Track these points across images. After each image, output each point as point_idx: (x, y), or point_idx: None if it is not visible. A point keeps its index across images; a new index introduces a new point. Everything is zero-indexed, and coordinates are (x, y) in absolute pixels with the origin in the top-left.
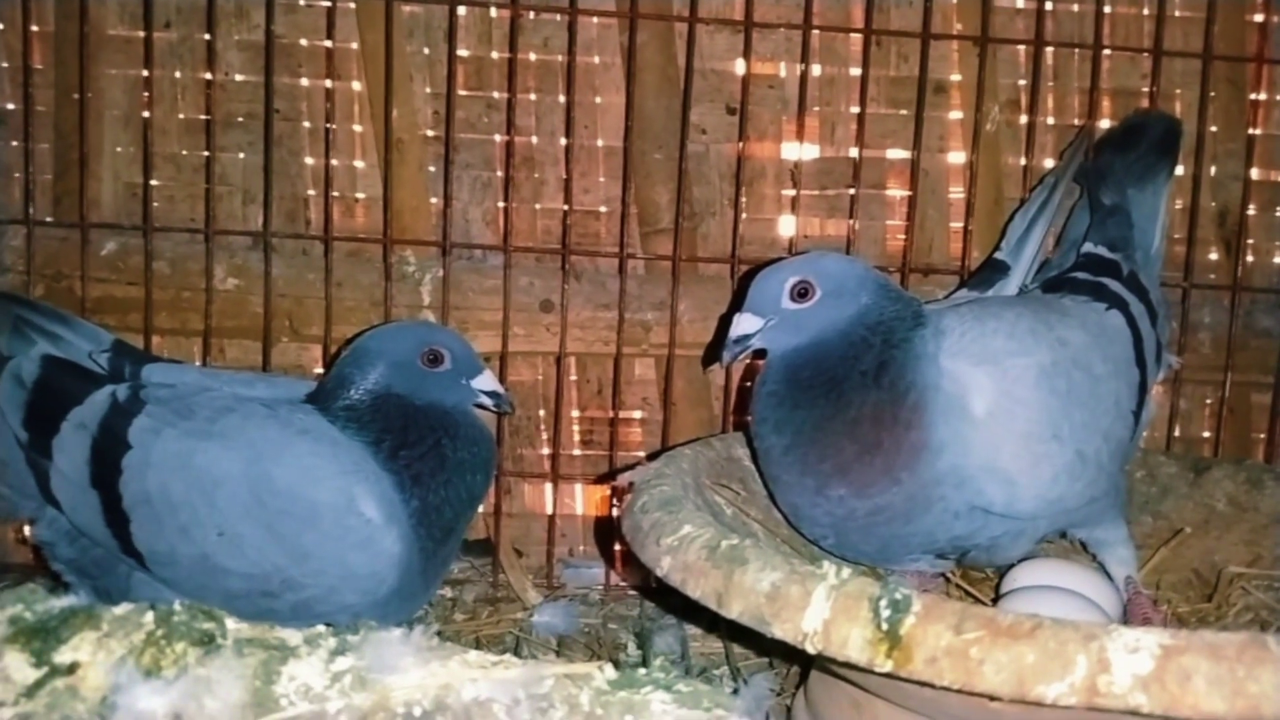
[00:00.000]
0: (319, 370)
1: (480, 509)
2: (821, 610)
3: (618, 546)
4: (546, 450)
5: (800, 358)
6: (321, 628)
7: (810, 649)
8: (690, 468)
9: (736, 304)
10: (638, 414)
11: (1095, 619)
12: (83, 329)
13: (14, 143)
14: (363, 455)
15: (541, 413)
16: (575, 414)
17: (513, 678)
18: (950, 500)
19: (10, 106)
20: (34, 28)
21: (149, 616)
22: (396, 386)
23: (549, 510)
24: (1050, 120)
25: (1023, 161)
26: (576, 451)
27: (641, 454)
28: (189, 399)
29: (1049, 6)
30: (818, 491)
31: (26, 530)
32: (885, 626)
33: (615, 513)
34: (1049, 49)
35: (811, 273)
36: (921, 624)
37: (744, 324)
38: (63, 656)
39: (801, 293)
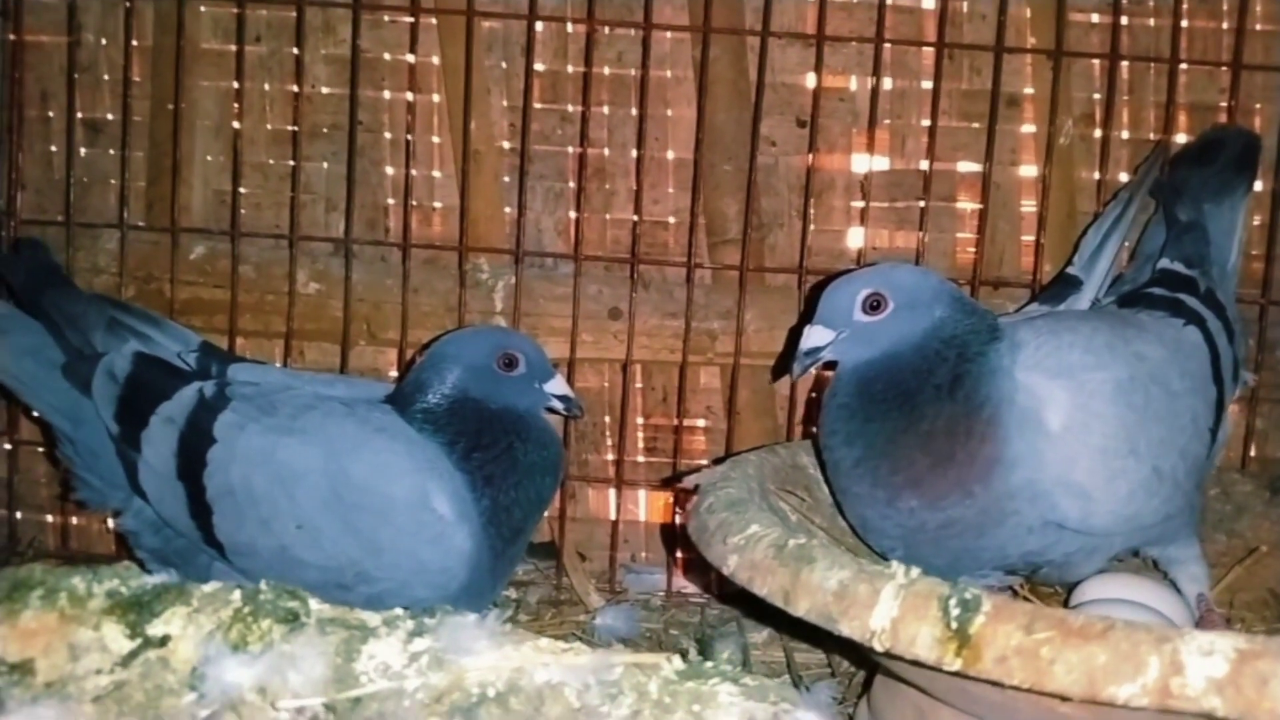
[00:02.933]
0: (394, 373)
1: (546, 512)
2: (889, 608)
3: (679, 553)
4: (611, 456)
5: (872, 370)
6: (399, 611)
7: (877, 647)
8: (755, 473)
9: (807, 316)
10: (702, 422)
11: None
12: (172, 330)
13: (111, 151)
14: (437, 454)
15: (607, 419)
16: (640, 421)
17: (583, 664)
18: (1024, 515)
19: (109, 117)
20: (134, 42)
21: (237, 594)
22: (472, 390)
23: (612, 515)
24: (1125, 134)
25: (1096, 176)
26: (640, 458)
27: (704, 462)
28: (272, 396)
29: (1124, 20)
30: (889, 504)
31: (110, 522)
32: (954, 625)
33: (679, 518)
34: (1124, 63)
35: (884, 285)
36: (991, 623)
37: (815, 336)
38: (155, 629)
39: (874, 305)
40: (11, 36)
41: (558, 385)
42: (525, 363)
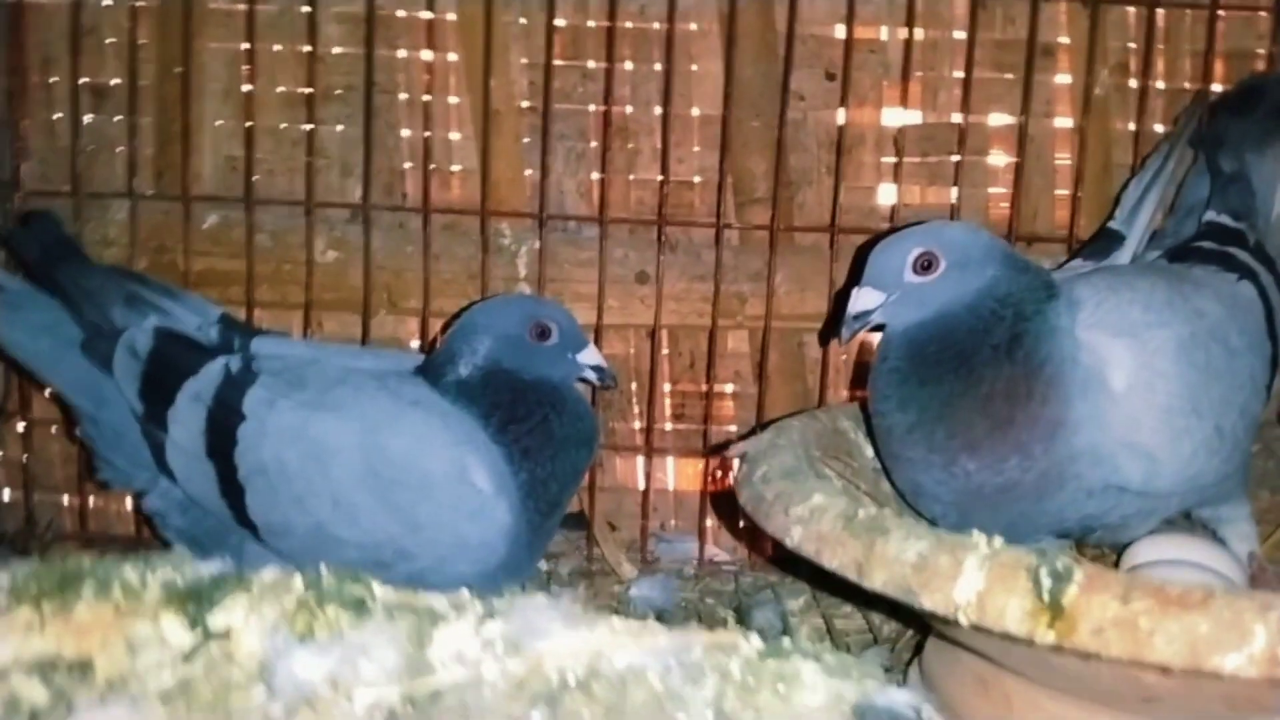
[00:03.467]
0: (416, 343)
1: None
2: (975, 580)
3: (710, 521)
4: (639, 424)
5: (925, 333)
6: (466, 593)
7: (963, 620)
8: (800, 439)
9: (852, 278)
10: (730, 388)
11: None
12: (190, 302)
13: (117, 117)
14: (474, 427)
15: (634, 385)
16: (667, 388)
17: (663, 646)
18: (1085, 478)
19: (115, 82)
20: (139, 3)
21: (299, 581)
22: (505, 361)
23: (641, 484)
24: (1161, 84)
25: (1132, 127)
26: (668, 425)
27: (733, 428)
28: (300, 370)
29: None
30: (944, 469)
31: (129, 502)
32: (1046, 597)
33: (714, 484)
34: (1160, 10)
35: (936, 244)
36: (1085, 594)
37: (864, 299)
38: (216, 621)
39: (925, 265)
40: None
41: (591, 355)
42: (558, 332)
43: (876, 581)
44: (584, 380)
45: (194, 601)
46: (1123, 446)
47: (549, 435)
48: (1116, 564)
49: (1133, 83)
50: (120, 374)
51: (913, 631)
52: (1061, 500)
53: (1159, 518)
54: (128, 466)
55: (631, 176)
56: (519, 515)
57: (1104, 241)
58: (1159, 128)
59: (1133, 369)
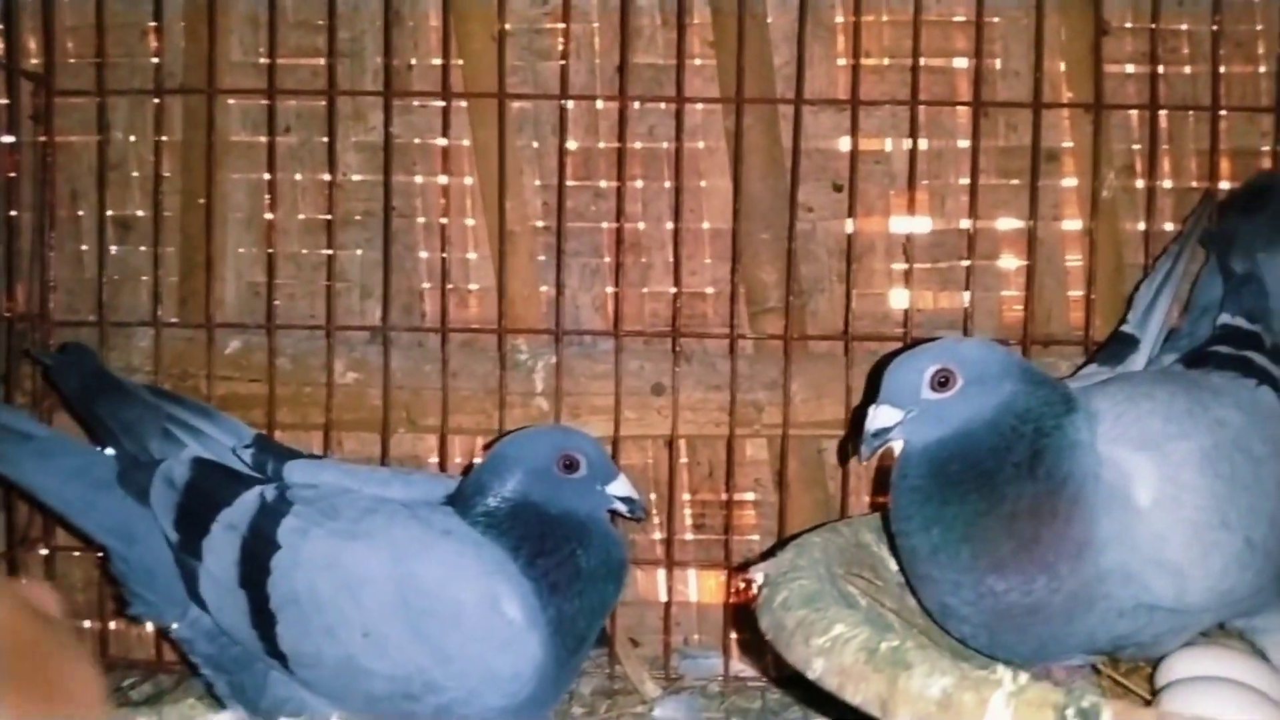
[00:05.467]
0: (434, 459)
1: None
2: (1001, 718)
3: (734, 635)
4: (659, 535)
5: (945, 450)
6: None
7: None
8: (823, 556)
9: (870, 395)
10: (751, 496)
11: (1269, 713)
12: (225, 424)
13: (142, 248)
14: (504, 559)
15: (653, 496)
16: (687, 497)
17: None
18: (1115, 597)
19: (140, 214)
20: (163, 138)
21: None
22: (533, 494)
23: (663, 597)
24: (1168, 184)
25: (1141, 226)
26: (689, 535)
27: (756, 537)
28: (334, 499)
29: (1161, 69)
30: (972, 589)
31: (148, 625)
32: None
33: (734, 599)
34: (1163, 112)
35: (952, 360)
36: None
37: (882, 416)
38: None
39: (942, 382)
40: (42, 138)
41: (620, 487)
42: (586, 464)
43: (900, 718)
44: (615, 513)
45: None
46: (1151, 564)
47: (576, 571)
48: (1152, 674)
49: (1139, 183)
50: (157, 505)
51: None
52: (1092, 621)
53: (1193, 632)
54: (159, 600)
55: (645, 290)
56: (548, 650)
57: (1118, 345)
58: (1169, 226)
59: (1157, 484)
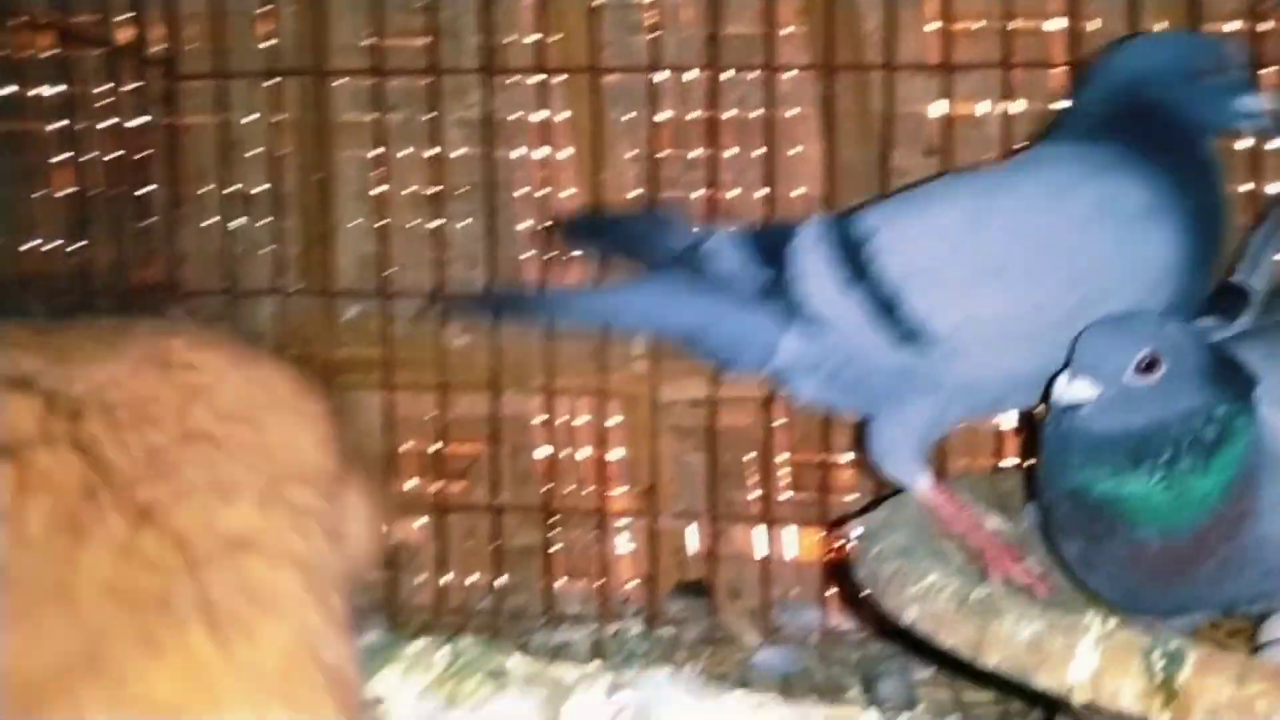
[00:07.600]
0: (540, 418)
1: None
2: (1089, 661)
3: (833, 590)
4: (756, 493)
5: (1130, 440)
6: (594, 665)
7: (1076, 700)
8: (916, 514)
9: None
10: (849, 455)
11: None
12: None
13: (263, 222)
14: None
15: (753, 454)
16: (784, 457)
17: (787, 716)
18: (1267, 561)
19: (261, 190)
20: (279, 118)
21: (443, 652)
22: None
23: (761, 553)
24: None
25: (1249, 186)
26: (787, 494)
27: (853, 496)
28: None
29: (1260, 28)
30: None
31: None
32: (1160, 679)
33: (833, 555)
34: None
35: (1162, 344)
36: (1199, 676)
37: (1080, 389)
38: (371, 689)
39: (1148, 367)
40: (168, 120)
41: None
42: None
43: (991, 661)
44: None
45: None
46: None
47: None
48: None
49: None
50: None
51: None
52: (1240, 584)
53: None
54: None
55: None
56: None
57: (1231, 297)
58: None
59: None
